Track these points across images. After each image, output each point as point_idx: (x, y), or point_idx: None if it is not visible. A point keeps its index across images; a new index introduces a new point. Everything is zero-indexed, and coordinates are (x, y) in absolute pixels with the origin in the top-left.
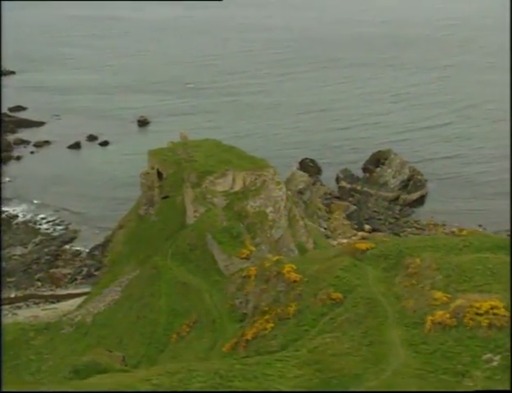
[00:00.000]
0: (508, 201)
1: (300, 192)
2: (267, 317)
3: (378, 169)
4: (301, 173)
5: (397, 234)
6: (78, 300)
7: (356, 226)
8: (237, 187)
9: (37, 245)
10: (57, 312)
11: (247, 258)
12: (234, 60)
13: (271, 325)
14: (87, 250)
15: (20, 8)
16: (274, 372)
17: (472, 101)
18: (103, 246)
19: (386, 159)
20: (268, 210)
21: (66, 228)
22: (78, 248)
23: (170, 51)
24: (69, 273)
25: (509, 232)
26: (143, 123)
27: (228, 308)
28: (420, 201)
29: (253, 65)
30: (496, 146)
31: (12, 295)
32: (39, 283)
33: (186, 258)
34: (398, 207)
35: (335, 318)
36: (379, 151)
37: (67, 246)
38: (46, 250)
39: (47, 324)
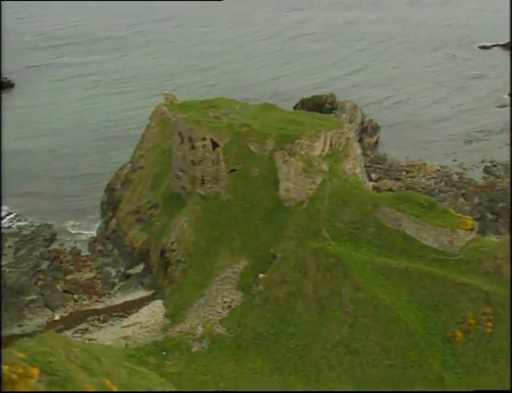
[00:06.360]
0: None
1: None
2: None
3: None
4: None
5: (399, 179)
6: (151, 308)
7: None
8: (326, 149)
9: (18, 249)
10: (145, 326)
11: (472, 229)
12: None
13: None
14: (86, 247)
15: None
16: None
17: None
18: (110, 238)
19: (331, 103)
20: (357, 170)
21: (32, 225)
22: (72, 246)
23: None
24: (94, 278)
25: None
26: (8, 85)
27: None
28: (377, 143)
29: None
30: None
31: (57, 318)
32: (76, 296)
33: (356, 239)
34: (370, 152)
35: None
36: (317, 96)
37: (56, 246)
38: (35, 253)
39: (154, 344)
